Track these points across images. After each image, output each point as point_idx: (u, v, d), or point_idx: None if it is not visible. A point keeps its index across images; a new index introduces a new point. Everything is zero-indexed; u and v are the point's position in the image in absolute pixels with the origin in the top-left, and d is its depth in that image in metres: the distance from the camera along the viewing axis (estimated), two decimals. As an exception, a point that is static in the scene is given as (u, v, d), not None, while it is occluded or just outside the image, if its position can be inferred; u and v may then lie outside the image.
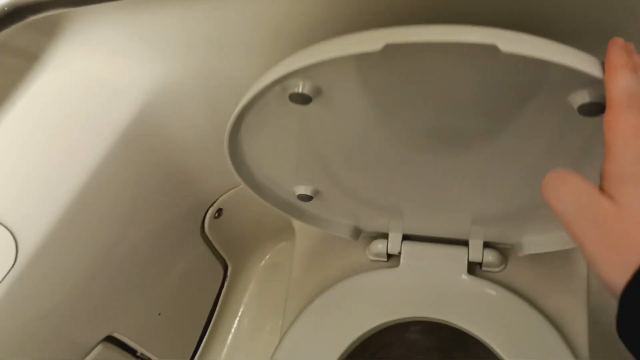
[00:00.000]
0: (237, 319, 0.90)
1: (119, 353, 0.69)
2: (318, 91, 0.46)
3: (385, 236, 0.75)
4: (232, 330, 0.89)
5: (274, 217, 0.81)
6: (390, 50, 0.38)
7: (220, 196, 0.75)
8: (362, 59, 0.42)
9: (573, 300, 0.72)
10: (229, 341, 0.89)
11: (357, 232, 0.74)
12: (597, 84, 0.37)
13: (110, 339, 0.66)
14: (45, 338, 0.57)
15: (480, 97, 0.44)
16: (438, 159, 0.56)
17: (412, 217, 0.70)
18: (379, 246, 0.75)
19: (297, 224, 0.82)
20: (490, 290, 0.72)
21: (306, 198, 0.65)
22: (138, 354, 0.73)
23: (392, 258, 0.77)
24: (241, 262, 0.89)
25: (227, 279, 0.85)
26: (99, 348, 0.64)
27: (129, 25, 0.51)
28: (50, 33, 0.51)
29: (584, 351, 0.69)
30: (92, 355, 0.64)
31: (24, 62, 0.50)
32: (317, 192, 0.65)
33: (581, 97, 0.40)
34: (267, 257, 0.92)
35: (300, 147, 0.56)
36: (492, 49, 0.36)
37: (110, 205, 0.59)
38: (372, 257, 0.77)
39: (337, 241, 0.79)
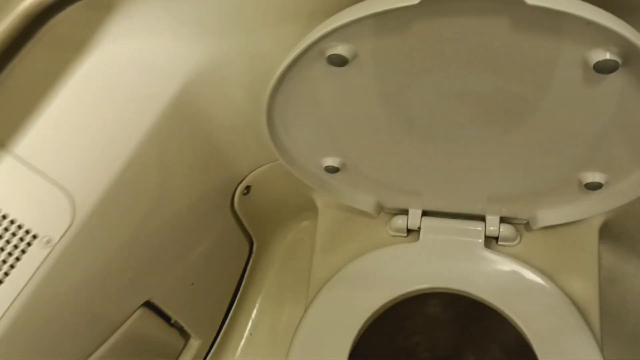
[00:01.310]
0: (262, 292, 0.94)
1: (155, 319, 0.73)
2: (354, 54, 0.50)
3: (405, 212, 0.79)
4: (257, 303, 0.93)
5: (298, 195, 0.86)
6: (425, 5, 0.42)
7: (250, 173, 0.79)
8: (398, 17, 0.46)
9: (584, 272, 0.76)
10: (254, 314, 0.93)
11: (378, 208, 0.78)
12: (614, 41, 0.42)
13: (149, 305, 0.70)
14: (92, 299, 0.61)
15: (506, 55, 0.49)
16: (463, 130, 0.60)
17: (433, 192, 0.74)
18: (399, 222, 0.79)
19: (320, 202, 0.86)
20: (507, 263, 0.75)
21: (333, 170, 0.69)
22: (172, 321, 0.77)
23: (411, 233, 0.81)
24: (267, 238, 0.93)
25: (253, 254, 0.89)
26: (138, 312, 0.68)
27: (174, 7, 0.55)
28: (104, 11, 0.55)
29: (596, 322, 0.73)
30: (132, 319, 0.68)
31: (83, 38, 0.54)
32: (343, 165, 0.69)
33: (598, 55, 0.44)
34: (290, 234, 0.97)
35: (332, 114, 0.60)
36: (519, 2, 0.41)
37: (153, 175, 0.63)
38: (392, 233, 0.81)
39: (358, 218, 0.83)
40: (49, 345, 0.57)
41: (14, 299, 0.51)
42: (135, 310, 0.68)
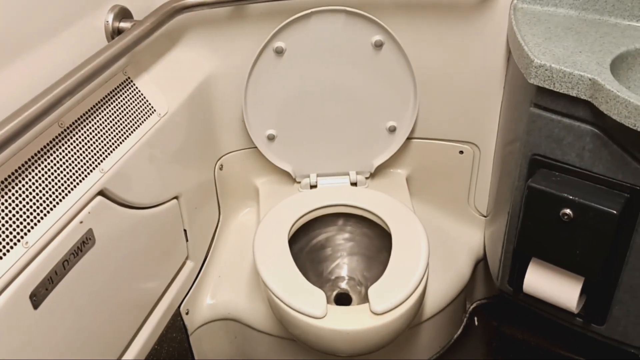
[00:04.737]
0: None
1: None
2: (286, 46, 1.26)
3: (307, 176, 1.46)
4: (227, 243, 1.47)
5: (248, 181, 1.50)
6: (314, 14, 1.22)
7: (224, 155, 1.43)
8: (304, 20, 1.24)
9: (402, 196, 1.46)
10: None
11: (294, 174, 1.45)
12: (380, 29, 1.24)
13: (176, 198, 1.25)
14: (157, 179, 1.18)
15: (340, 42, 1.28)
16: (328, 98, 1.35)
17: (321, 159, 1.43)
18: (304, 182, 1.45)
19: (259, 183, 1.50)
20: (365, 192, 1.43)
21: (272, 137, 1.38)
22: (184, 228, 1.29)
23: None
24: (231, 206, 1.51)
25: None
26: (169, 204, 1.23)
27: (206, 35, 1.29)
28: (174, 40, 1.27)
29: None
30: (164, 206, 1.22)
31: (165, 48, 1.24)
32: (277, 135, 1.38)
33: (375, 37, 1.25)
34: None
35: (274, 95, 1.32)
36: (346, 10, 1.22)
37: (183, 128, 1.27)
38: (301, 190, 1.46)
39: (283, 188, 1.47)
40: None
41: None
42: (168, 201, 1.22)
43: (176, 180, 1.24)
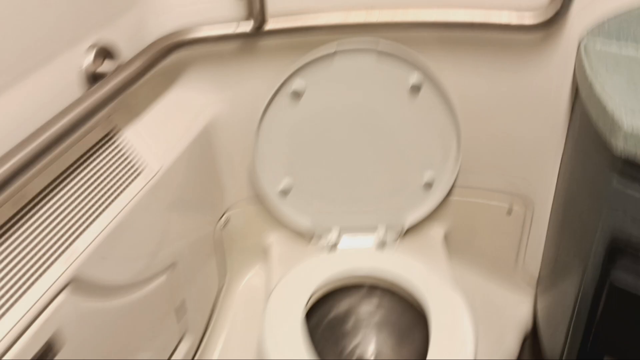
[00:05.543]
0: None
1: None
2: (305, 88, 1.05)
3: (327, 233, 1.24)
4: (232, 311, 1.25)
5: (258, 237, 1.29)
6: (338, 53, 1.01)
7: (229, 208, 1.22)
8: (324, 60, 1.03)
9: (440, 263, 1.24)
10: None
11: (311, 231, 1.23)
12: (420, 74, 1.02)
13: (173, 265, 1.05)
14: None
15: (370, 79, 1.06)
16: (353, 146, 1.13)
17: (344, 211, 1.22)
18: (323, 241, 1.24)
19: (272, 239, 1.29)
20: (395, 257, 1.21)
21: (286, 191, 1.16)
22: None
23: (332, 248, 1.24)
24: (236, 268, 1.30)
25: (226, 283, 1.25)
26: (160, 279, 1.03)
27: (209, 73, 1.07)
28: (173, 78, 1.06)
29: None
30: (153, 284, 1.02)
31: (163, 89, 1.04)
32: (292, 186, 1.17)
33: (412, 79, 1.04)
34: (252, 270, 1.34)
35: (291, 141, 1.11)
36: (375, 49, 1.00)
37: (177, 182, 1.06)
38: (319, 250, 1.24)
39: (297, 247, 1.26)
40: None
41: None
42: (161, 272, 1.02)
43: (171, 248, 1.04)
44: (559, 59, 1.03)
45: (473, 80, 1.08)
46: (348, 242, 1.24)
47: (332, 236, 1.24)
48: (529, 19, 0.98)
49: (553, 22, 0.98)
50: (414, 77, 1.05)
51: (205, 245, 1.19)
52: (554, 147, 1.11)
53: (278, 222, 1.25)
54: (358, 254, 1.21)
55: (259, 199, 1.23)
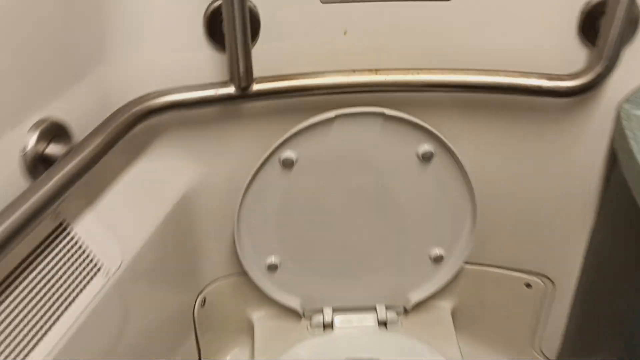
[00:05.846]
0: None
1: None
2: (297, 157, 0.89)
3: (319, 312, 1.08)
4: None
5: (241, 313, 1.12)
6: (338, 118, 0.85)
7: (208, 285, 1.06)
8: (321, 127, 0.87)
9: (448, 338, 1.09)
10: None
11: (302, 308, 1.08)
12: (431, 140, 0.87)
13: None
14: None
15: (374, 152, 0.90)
16: (354, 220, 0.98)
17: (339, 289, 1.06)
18: (316, 320, 1.08)
19: (255, 318, 1.13)
20: (396, 339, 1.06)
21: (273, 267, 1.00)
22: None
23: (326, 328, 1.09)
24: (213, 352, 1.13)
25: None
26: None
27: (185, 139, 0.90)
28: (139, 151, 0.89)
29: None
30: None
31: (130, 159, 0.87)
32: (280, 264, 1.01)
33: (423, 148, 0.88)
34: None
35: (279, 213, 0.95)
36: (381, 113, 0.85)
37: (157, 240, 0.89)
38: (311, 331, 1.09)
39: (285, 325, 1.10)
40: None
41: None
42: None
43: (138, 341, 0.87)
44: (595, 126, 0.88)
45: (491, 150, 0.93)
46: (345, 321, 1.08)
47: (325, 315, 1.08)
48: (563, 82, 0.83)
49: (592, 86, 0.83)
50: (425, 145, 0.90)
51: (181, 328, 1.03)
52: (582, 223, 0.97)
53: (263, 297, 1.08)
54: (356, 336, 1.06)
55: (240, 276, 1.06)
